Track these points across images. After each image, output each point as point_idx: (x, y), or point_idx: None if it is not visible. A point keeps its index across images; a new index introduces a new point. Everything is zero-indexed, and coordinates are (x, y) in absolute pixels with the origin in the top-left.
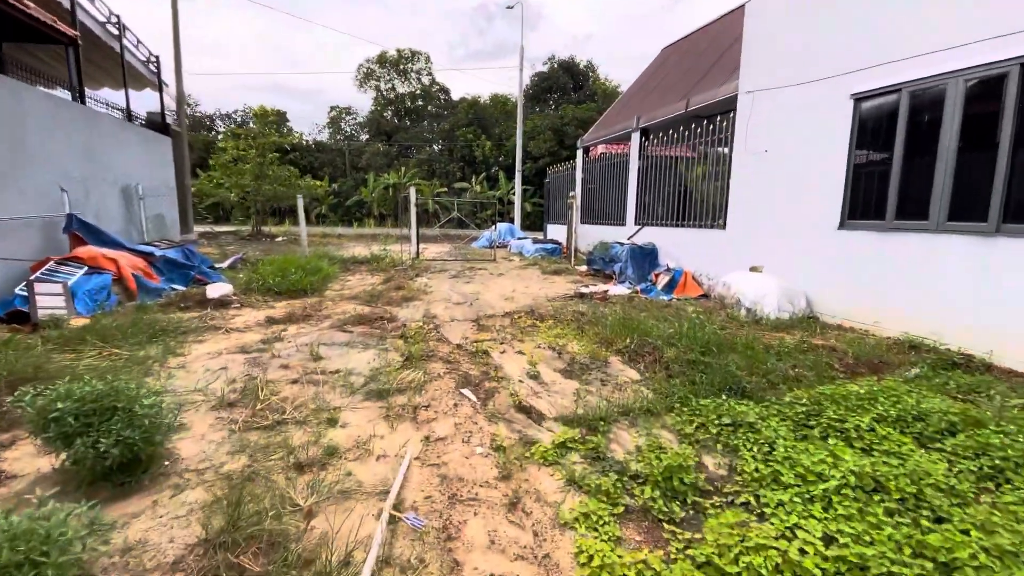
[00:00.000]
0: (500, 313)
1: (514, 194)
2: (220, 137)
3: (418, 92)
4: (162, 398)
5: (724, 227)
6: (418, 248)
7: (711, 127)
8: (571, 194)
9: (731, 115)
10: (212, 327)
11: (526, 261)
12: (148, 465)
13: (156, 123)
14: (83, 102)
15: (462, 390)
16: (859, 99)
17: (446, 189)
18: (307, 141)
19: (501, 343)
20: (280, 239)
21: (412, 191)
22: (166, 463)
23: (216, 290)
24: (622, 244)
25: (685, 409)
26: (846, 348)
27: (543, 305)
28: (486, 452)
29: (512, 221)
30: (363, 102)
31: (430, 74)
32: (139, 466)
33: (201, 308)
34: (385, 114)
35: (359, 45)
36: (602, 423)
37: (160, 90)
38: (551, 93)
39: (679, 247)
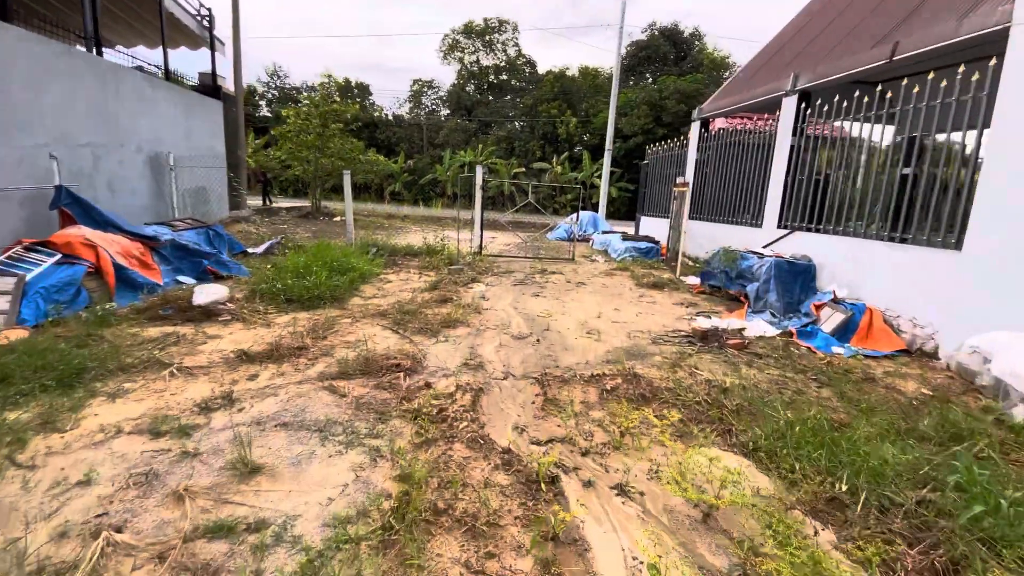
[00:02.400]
0: (580, 370)
1: (599, 177)
2: (297, 106)
3: (503, 64)
4: None
5: (958, 245)
6: (482, 240)
7: (945, 84)
8: (679, 180)
9: (972, 67)
10: (160, 362)
11: (613, 264)
12: None
13: (206, 86)
14: (99, 53)
15: None
16: None
17: (524, 169)
18: (386, 115)
19: (584, 454)
20: (338, 219)
21: (479, 170)
22: None
23: (205, 295)
24: (761, 256)
25: None
26: None
27: (647, 352)
28: None
29: (596, 208)
30: (447, 76)
31: (516, 45)
32: None
33: (178, 319)
34: (467, 88)
35: (450, 19)
36: None
37: (212, 48)
38: (649, 64)
39: (857, 268)
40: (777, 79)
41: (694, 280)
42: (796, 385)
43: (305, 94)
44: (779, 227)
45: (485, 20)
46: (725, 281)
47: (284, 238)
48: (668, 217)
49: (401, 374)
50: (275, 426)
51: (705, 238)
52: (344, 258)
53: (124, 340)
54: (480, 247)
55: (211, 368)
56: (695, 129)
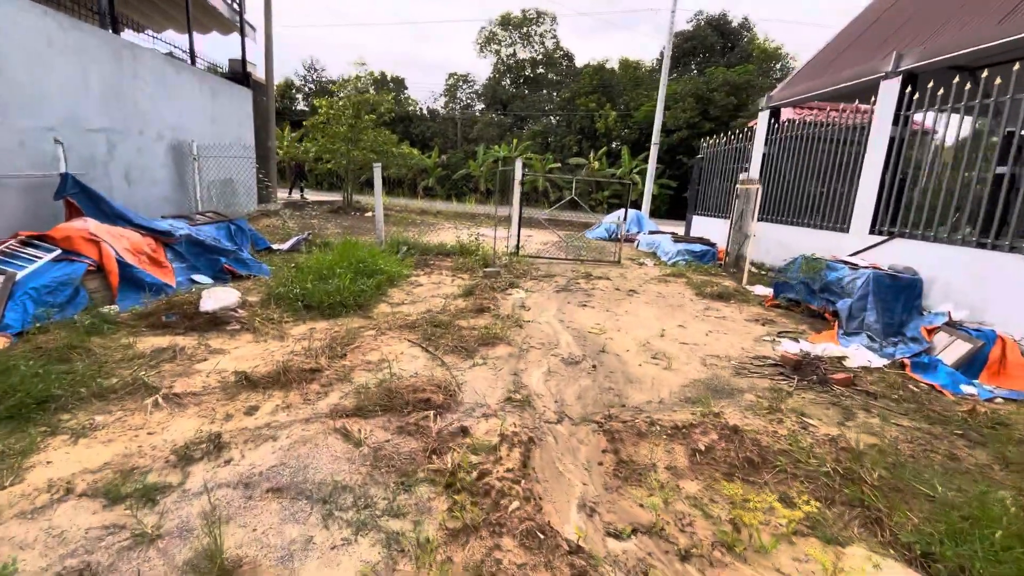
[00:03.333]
0: (655, 412)
1: (638, 173)
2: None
3: (539, 58)
4: None
5: None
6: (519, 239)
7: None
8: (744, 176)
9: None
10: (146, 386)
11: (665, 268)
12: None
13: (235, 72)
14: (115, 31)
15: None
16: None
17: (559, 165)
18: (421, 110)
19: (683, 559)
20: (370, 214)
21: (518, 164)
22: None
23: (214, 300)
24: (854, 266)
25: None
26: None
27: (732, 387)
28: None
29: (635, 206)
30: (483, 70)
31: (555, 37)
32: None
33: (182, 327)
34: (503, 82)
35: (487, 13)
36: None
37: (242, 32)
38: (694, 56)
39: (980, 285)
40: (870, 59)
41: (764, 291)
42: (941, 444)
43: (338, 83)
44: (872, 232)
45: (523, 12)
46: (805, 294)
47: (311, 234)
48: (726, 217)
49: (431, 413)
50: (267, 490)
51: (773, 243)
52: (371, 258)
53: (112, 354)
54: (517, 247)
55: (204, 396)
56: (763, 119)
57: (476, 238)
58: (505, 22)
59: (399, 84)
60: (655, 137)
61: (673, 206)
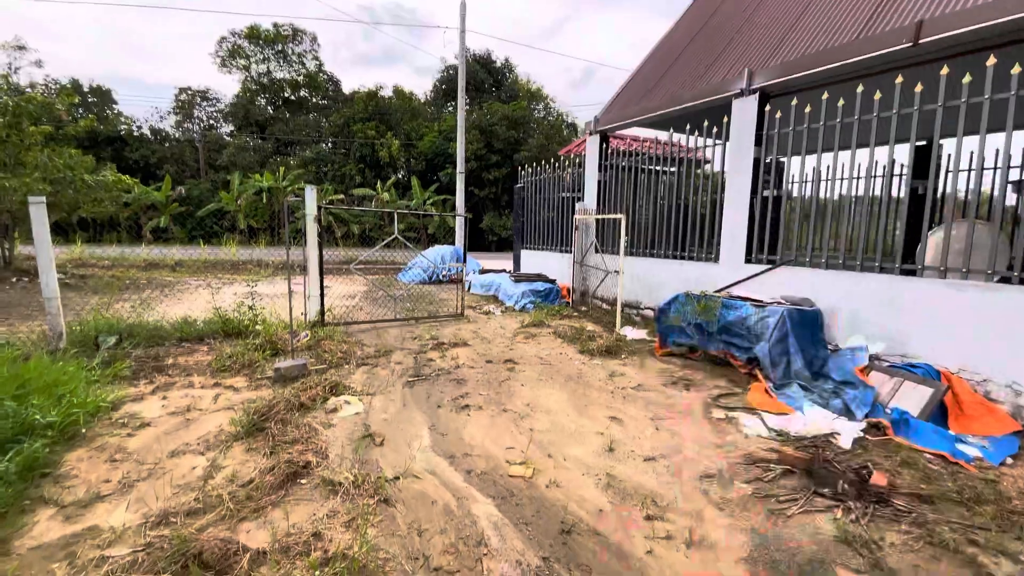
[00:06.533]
0: None
1: (432, 204)
2: None
3: (301, 80)
4: None
5: None
6: (323, 300)
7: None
8: (581, 207)
9: None
10: None
11: (516, 315)
12: None
13: None
14: None
15: None
16: None
17: (342, 196)
18: (139, 129)
19: None
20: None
21: (309, 193)
22: None
23: None
24: (760, 303)
25: None
26: None
27: (796, 556)
28: None
29: (437, 241)
30: (229, 87)
31: (316, 59)
32: None
33: None
34: (257, 101)
35: (223, 28)
36: None
37: None
38: (466, 90)
39: (899, 314)
40: (702, 75)
41: (634, 333)
42: None
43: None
44: (749, 262)
45: (276, 26)
46: (701, 339)
47: None
48: (559, 250)
49: None
50: None
51: (627, 277)
52: (17, 386)
53: None
54: (322, 314)
55: None
56: (592, 145)
57: (250, 304)
58: (254, 36)
59: (104, 96)
60: (460, 166)
61: (471, 238)
